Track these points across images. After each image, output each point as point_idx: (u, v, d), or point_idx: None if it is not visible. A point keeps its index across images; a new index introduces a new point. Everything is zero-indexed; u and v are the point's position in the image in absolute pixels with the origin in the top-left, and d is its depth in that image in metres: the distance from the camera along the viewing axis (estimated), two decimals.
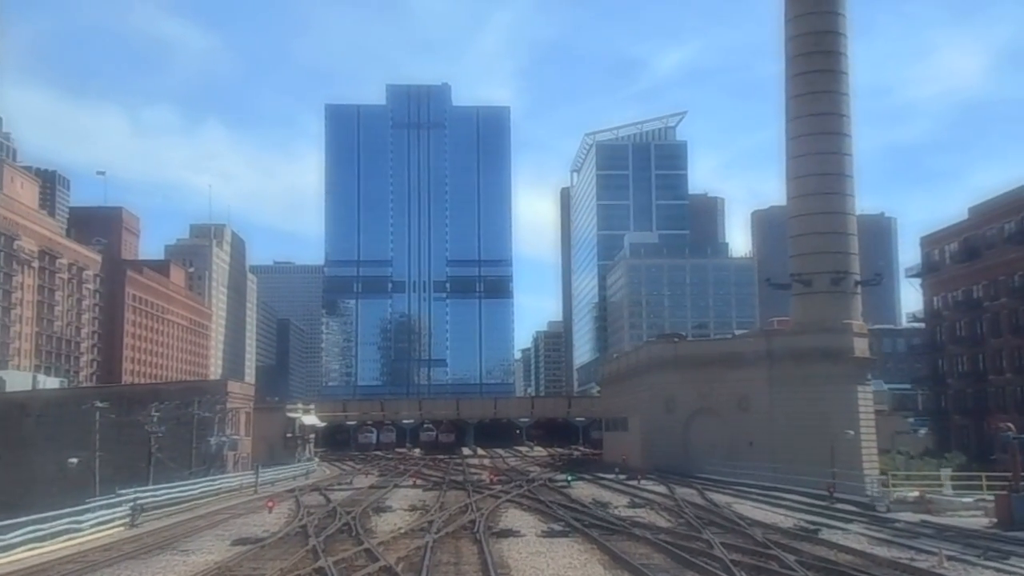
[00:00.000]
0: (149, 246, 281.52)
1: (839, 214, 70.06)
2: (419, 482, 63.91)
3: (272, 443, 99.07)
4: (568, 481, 59.20)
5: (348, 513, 39.35)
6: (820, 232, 69.91)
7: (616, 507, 41.83)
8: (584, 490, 54.35)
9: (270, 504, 42.28)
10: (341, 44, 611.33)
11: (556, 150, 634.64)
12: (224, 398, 71.60)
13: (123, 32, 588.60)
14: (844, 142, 70.86)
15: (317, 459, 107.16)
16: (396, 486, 60.69)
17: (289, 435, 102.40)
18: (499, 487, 56.24)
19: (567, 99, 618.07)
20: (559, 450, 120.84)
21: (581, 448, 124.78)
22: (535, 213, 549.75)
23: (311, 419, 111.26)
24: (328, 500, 49.04)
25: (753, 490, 50.50)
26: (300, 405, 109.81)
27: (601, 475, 68.50)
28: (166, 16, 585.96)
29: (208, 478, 56.85)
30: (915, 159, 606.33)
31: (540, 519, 37.40)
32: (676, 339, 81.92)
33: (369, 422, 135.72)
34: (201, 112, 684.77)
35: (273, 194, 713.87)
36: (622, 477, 66.03)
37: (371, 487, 60.63)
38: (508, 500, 46.14)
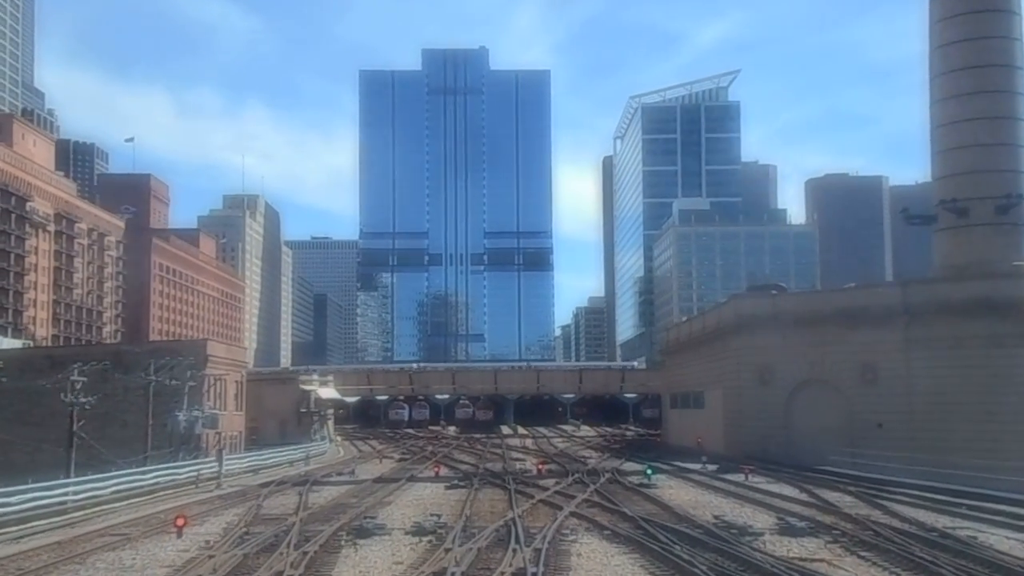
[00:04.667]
0: (185, 220, 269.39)
1: (1007, 119, 50.77)
2: (444, 472, 46.84)
3: (284, 419, 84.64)
4: (648, 475, 41.42)
5: (307, 540, 21.99)
6: (981, 144, 50.56)
7: (764, 535, 23.76)
8: (678, 492, 36.47)
9: (179, 522, 24.88)
10: (378, 20, 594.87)
11: (595, 127, 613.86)
12: (202, 362, 54.96)
13: (167, 14, 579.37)
14: (1012, 22, 51.28)
15: (339, 438, 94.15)
16: (412, 478, 43.58)
17: (304, 410, 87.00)
18: (552, 482, 38.90)
19: (606, 73, 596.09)
20: (608, 429, 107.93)
21: (632, 427, 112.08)
22: (574, 191, 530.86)
23: (329, 392, 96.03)
24: (302, 506, 31.64)
25: (940, 497, 32.11)
26: (316, 376, 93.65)
27: (681, 465, 51.65)
28: None
29: (155, 467, 39.96)
30: None
31: (648, 565, 19.48)
32: (775, 291, 63.42)
33: (400, 397, 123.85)
34: (242, 93, 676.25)
35: (312, 173, 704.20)
36: (712, 468, 49.19)
37: (378, 480, 43.54)
38: (573, 512, 28.39)
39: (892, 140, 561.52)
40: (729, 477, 43.48)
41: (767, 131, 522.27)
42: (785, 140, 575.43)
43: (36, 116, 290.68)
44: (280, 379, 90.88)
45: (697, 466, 50.09)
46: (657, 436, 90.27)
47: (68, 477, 37.79)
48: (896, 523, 25.98)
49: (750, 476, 43.13)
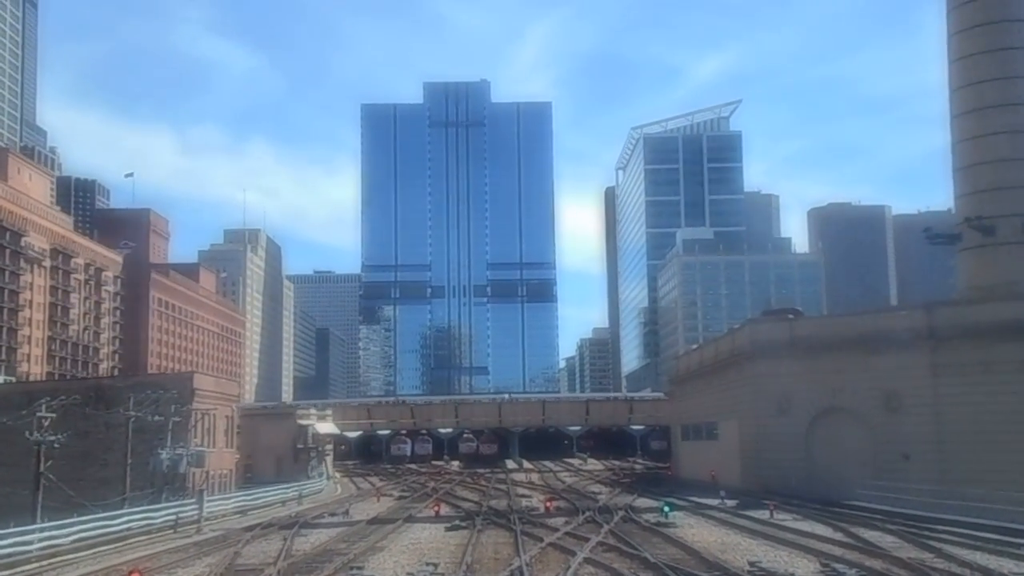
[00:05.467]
0: (187, 256, 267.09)
1: None
2: (444, 511, 43.56)
3: (280, 456, 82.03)
4: (665, 513, 38.12)
5: None
6: (1005, 159, 47.70)
7: None
8: (701, 533, 33.16)
9: None
10: (380, 56, 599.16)
11: (597, 159, 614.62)
12: (188, 396, 51.75)
13: (171, 53, 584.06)
14: None
15: (338, 475, 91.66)
16: (410, 519, 40.24)
17: (301, 446, 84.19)
18: (561, 522, 35.65)
19: (607, 106, 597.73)
20: (616, 462, 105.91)
21: (640, 460, 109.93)
22: (577, 223, 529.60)
23: (327, 427, 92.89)
24: (283, 554, 28.34)
25: (990, 535, 28.80)
26: (314, 411, 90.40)
27: (698, 501, 48.60)
28: (212, 36, 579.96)
29: (128, 511, 36.62)
30: None
31: None
32: (791, 315, 60.24)
33: (402, 431, 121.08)
34: (246, 130, 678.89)
35: (314, 208, 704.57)
36: (731, 504, 46.14)
37: (373, 521, 40.20)
38: (588, 558, 25.12)
39: (892, 171, 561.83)
40: (752, 514, 40.19)
41: (767, 162, 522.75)
42: (786, 171, 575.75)
43: (37, 154, 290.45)
44: (276, 414, 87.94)
45: (715, 501, 47.35)
46: (667, 469, 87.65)
47: (36, 522, 34.53)
48: (956, 568, 22.70)
49: (775, 513, 39.75)
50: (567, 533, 31.55)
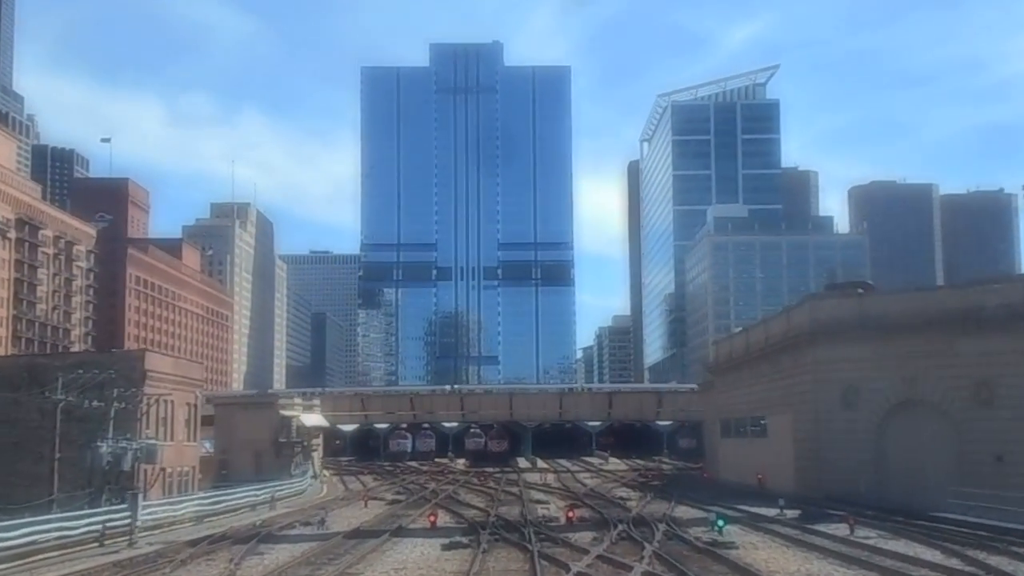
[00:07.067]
0: (171, 233, 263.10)
1: None
2: (444, 521, 39.33)
3: (260, 451, 77.60)
4: (719, 528, 32.87)
5: None
6: None
7: None
8: (773, 556, 27.58)
9: None
10: (383, 17, 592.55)
11: (618, 132, 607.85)
12: (138, 379, 46.78)
13: (158, 16, 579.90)
14: None
15: (327, 473, 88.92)
16: (399, 531, 35.23)
17: (283, 440, 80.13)
18: (588, 537, 30.77)
19: (629, 75, 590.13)
20: (640, 462, 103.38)
21: (668, 460, 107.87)
22: (596, 202, 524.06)
23: (315, 419, 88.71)
24: None
25: None
26: (299, 400, 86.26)
27: (750, 510, 43.74)
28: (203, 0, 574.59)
29: (32, 520, 31.39)
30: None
31: None
32: (861, 290, 54.99)
33: (403, 425, 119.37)
34: (238, 99, 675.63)
35: (311, 184, 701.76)
36: (793, 516, 41.41)
37: (354, 533, 35.01)
38: None
39: (939, 148, 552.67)
40: (825, 529, 35.08)
41: (804, 137, 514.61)
42: (824, 146, 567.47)
43: (12, 120, 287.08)
44: (255, 403, 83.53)
45: (772, 511, 42.57)
46: (699, 470, 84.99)
47: None
48: None
49: (853, 527, 34.60)
50: (599, 556, 25.95)
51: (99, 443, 41.79)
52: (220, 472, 72.98)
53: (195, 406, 56.08)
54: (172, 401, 51.06)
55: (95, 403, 43.04)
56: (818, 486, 50.27)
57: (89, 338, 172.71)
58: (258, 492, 51.93)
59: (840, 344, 51.11)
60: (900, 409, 49.13)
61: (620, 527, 34.74)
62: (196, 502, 44.60)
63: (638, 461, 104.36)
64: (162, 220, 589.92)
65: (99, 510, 36.12)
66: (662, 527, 35.03)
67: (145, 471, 46.76)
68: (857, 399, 50.52)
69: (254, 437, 76.86)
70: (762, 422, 63.16)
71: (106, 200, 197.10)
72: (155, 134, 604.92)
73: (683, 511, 44.67)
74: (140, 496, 36.02)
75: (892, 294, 57.44)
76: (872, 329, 50.09)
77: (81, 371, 43.01)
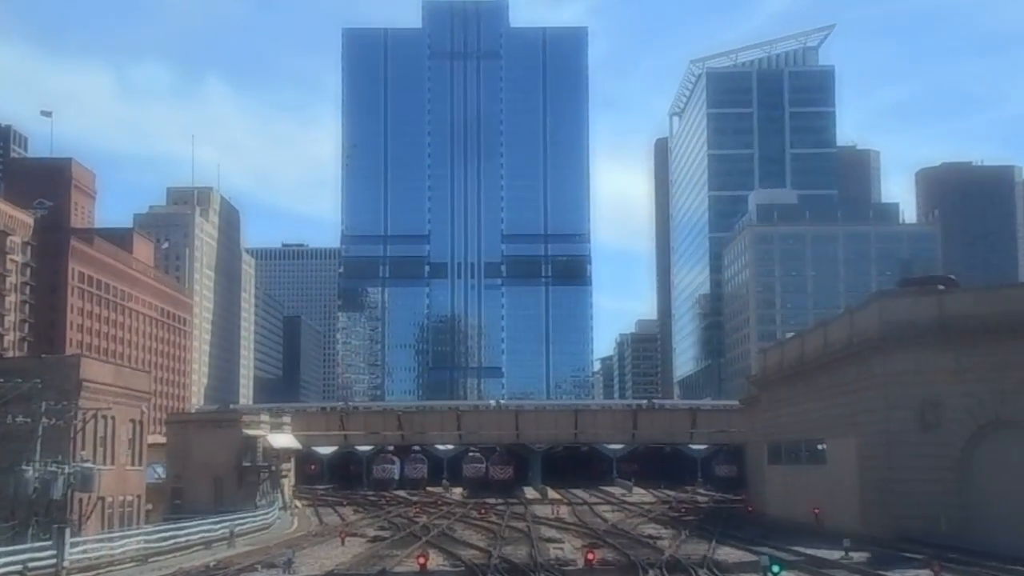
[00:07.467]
0: (120, 221, 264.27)
1: None
2: (436, 563, 39.78)
3: (221, 477, 79.06)
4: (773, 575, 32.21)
5: None
6: None
7: None
8: None
9: None
10: None
11: (642, 107, 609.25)
12: (72, 391, 46.36)
13: None
14: None
15: (300, 504, 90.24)
16: (383, 575, 34.20)
17: (248, 464, 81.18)
18: None
19: (654, 41, 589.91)
20: (670, 493, 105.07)
21: (703, 490, 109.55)
22: (617, 186, 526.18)
23: (285, 439, 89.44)
24: None
25: None
26: (266, 417, 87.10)
27: (805, 551, 43.89)
28: None
29: None
30: None
31: None
32: (941, 286, 54.62)
33: (389, 448, 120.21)
34: (199, 68, 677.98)
35: (285, 168, 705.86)
36: (861, 559, 41.20)
37: None
38: None
39: (1018, 125, 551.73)
40: None
41: (863, 111, 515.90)
42: (886, 122, 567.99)
43: None
44: (215, 421, 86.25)
45: (835, 554, 42.30)
46: (740, 502, 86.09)
47: None
48: None
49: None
50: None
51: (24, 467, 42.34)
52: (173, 502, 73.75)
53: (140, 423, 56.19)
54: (113, 417, 51.22)
55: (20, 419, 43.15)
56: (889, 523, 50.27)
57: (25, 344, 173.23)
58: (215, 526, 51.58)
59: (916, 352, 50.95)
60: (990, 430, 49.28)
61: (652, 573, 34.80)
62: (140, 538, 44.65)
63: (667, 492, 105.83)
64: (110, 207, 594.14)
65: (20, 547, 35.98)
66: (703, 573, 35.09)
67: (80, 500, 47.27)
68: (937, 418, 50.51)
69: (213, 461, 77.92)
70: (820, 446, 63.49)
71: (46, 184, 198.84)
72: (103, 109, 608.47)
73: (727, 553, 44.80)
74: (68, 531, 35.24)
75: (981, 291, 57.67)
76: (956, 334, 49.94)
77: (2, 380, 42.64)
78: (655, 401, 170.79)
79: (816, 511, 59.70)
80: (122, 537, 43.19)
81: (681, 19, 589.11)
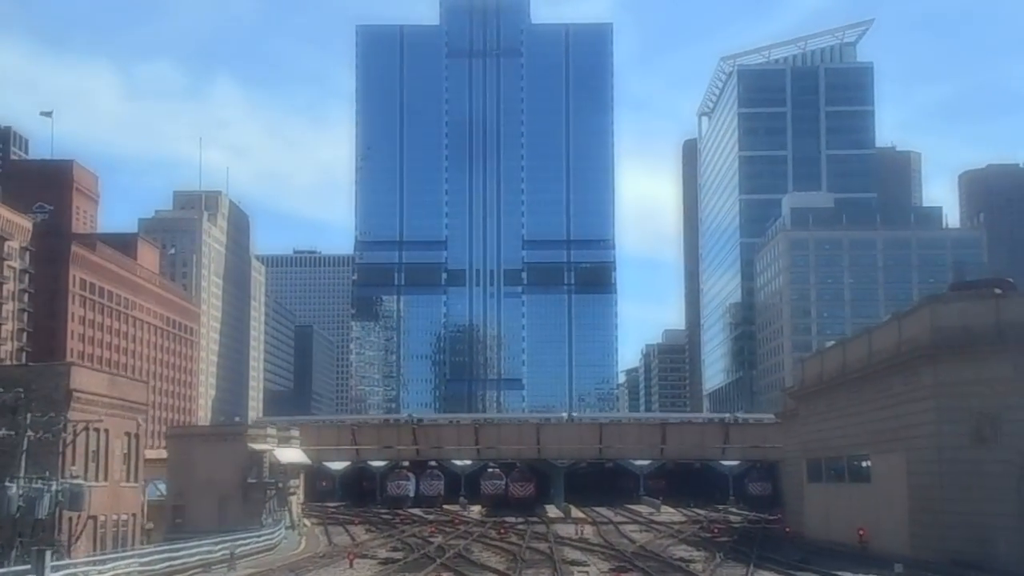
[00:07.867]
0: (124, 226, 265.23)
1: None
2: None
3: (225, 495, 78.24)
4: None
5: None
6: None
7: None
8: None
9: None
10: None
11: (669, 108, 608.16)
12: (62, 402, 45.45)
13: None
14: None
15: (309, 523, 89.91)
16: None
17: (253, 481, 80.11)
18: None
19: (682, 39, 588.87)
20: (700, 512, 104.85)
21: (736, 509, 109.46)
22: (644, 191, 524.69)
23: (293, 454, 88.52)
24: None
25: None
26: (273, 431, 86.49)
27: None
28: None
29: None
30: None
31: None
32: (998, 290, 53.09)
33: (404, 463, 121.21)
34: (209, 68, 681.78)
35: (297, 171, 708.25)
36: None
37: None
38: None
39: None
40: None
41: (904, 111, 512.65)
42: (928, 123, 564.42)
43: None
44: (219, 435, 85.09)
45: None
46: (776, 522, 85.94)
47: None
48: None
49: None
50: None
51: (8, 483, 41.19)
52: (174, 520, 73.14)
53: (137, 436, 55.26)
54: (106, 430, 50.22)
55: (4, 431, 42.26)
56: (941, 546, 49.21)
57: (23, 354, 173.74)
58: (215, 547, 50.50)
59: (971, 361, 49.91)
60: None
61: None
62: (132, 560, 43.21)
63: (698, 511, 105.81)
64: (114, 212, 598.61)
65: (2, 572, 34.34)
66: None
67: (69, 519, 46.30)
68: (994, 433, 49.20)
69: (217, 477, 77.25)
70: (864, 463, 62.63)
71: (46, 187, 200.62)
72: (108, 109, 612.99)
73: None
74: (48, 554, 33.98)
75: None
76: (1015, 341, 48.63)
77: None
78: (682, 415, 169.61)
79: (861, 532, 58.76)
80: (112, 560, 41.89)
81: (711, 14, 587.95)
